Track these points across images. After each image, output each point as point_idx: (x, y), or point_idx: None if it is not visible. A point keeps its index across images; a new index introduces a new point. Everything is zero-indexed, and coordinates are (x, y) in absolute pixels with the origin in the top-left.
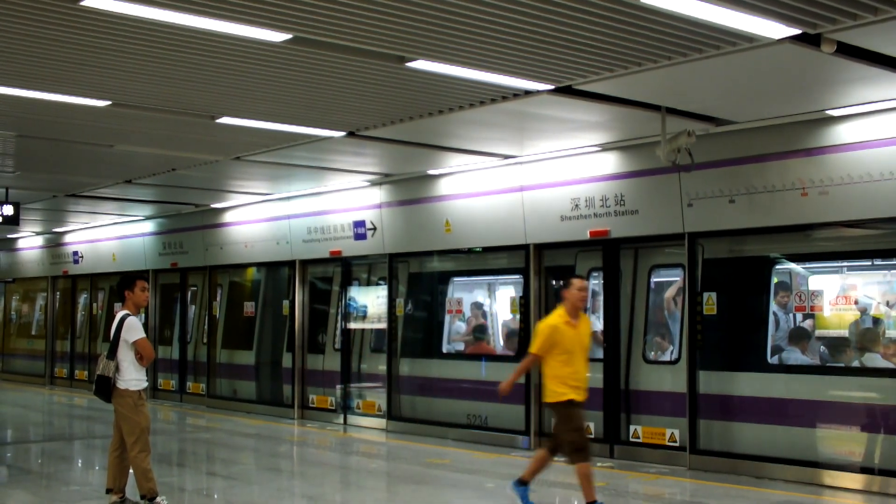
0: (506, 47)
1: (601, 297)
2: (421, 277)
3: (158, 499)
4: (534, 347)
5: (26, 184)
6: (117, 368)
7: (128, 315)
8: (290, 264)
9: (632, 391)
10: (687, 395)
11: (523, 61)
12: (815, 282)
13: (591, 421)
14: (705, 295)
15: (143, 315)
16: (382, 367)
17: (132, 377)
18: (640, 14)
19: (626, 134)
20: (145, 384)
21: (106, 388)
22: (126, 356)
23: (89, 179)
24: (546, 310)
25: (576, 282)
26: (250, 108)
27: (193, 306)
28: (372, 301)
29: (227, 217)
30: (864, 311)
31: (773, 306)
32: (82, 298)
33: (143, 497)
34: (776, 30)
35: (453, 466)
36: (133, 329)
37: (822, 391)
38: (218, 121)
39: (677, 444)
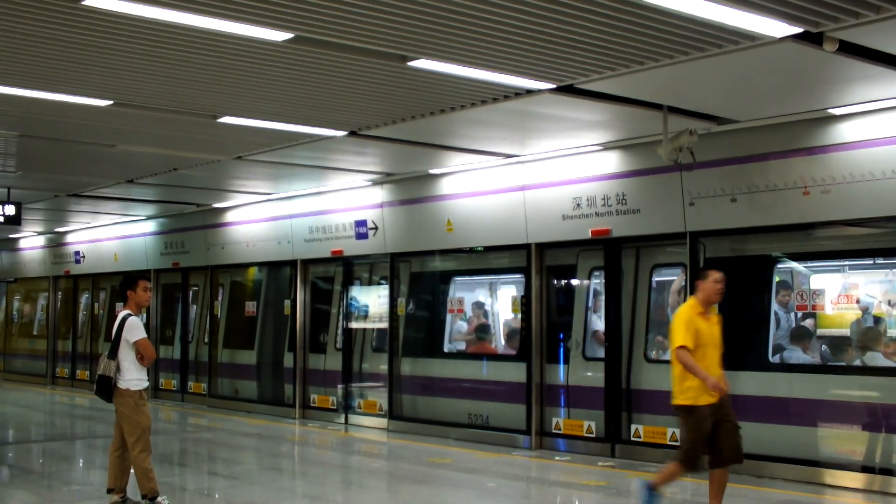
0: (508, 46)
1: (602, 297)
2: (422, 277)
3: (160, 498)
4: (680, 341)
5: (28, 183)
6: (118, 368)
7: (129, 315)
8: (292, 264)
9: (633, 390)
10: None
11: (525, 60)
12: (817, 281)
13: (591, 420)
14: None
15: (144, 315)
16: (384, 367)
17: (133, 377)
18: (641, 13)
19: (628, 133)
20: (146, 384)
21: (107, 387)
22: (127, 356)
23: (91, 179)
24: (547, 309)
25: (713, 273)
26: (252, 107)
27: (195, 306)
28: (373, 300)
29: (229, 217)
30: (865, 310)
31: (775, 305)
32: (84, 298)
33: (144, 497)
34: (778, 28)
35: (455, 466)
36: (134, 329)
37: (823, 390)
38: (220, 120)
39: (678, 444)
